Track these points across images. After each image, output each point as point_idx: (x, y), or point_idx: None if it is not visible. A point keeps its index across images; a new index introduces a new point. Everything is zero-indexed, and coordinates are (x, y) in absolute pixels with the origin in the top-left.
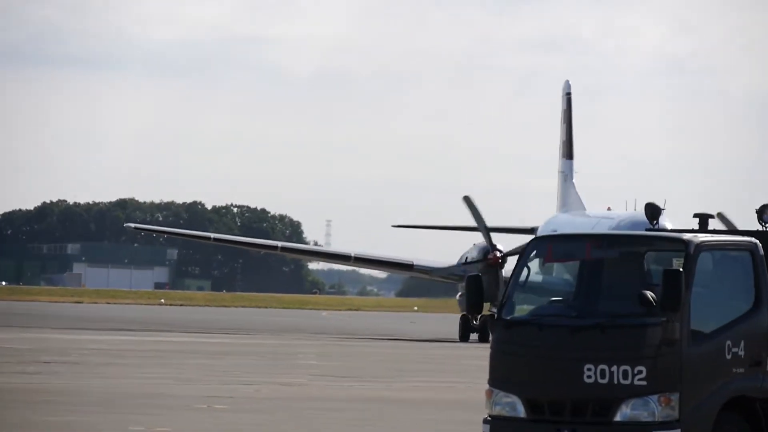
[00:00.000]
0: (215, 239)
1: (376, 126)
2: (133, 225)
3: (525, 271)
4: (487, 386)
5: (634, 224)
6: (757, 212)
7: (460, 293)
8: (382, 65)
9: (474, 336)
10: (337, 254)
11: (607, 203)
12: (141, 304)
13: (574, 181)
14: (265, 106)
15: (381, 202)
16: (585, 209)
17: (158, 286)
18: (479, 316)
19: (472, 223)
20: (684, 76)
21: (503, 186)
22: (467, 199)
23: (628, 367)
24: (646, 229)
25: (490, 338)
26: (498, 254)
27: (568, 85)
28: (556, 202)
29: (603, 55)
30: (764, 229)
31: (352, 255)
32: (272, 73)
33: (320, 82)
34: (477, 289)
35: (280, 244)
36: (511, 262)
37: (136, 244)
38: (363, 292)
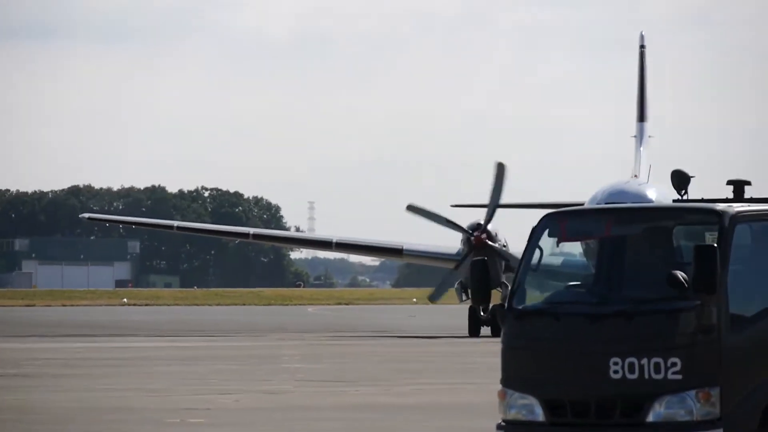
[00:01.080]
0: (179, 228)
1: (366, 96)
2: (87, 215)
3: (537, 253)
4: (499, 387)
5: (614, 194)
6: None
7: (458, 281)
8: (366, 28)
9: (486, 330)
10: (316, 240)
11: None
12: (101, 305)
13: (641, 148)
14: (235, 76)
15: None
16: (647, 180)
17: (120, 284)
18: (489, 307)
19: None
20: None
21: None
22: (412, 208)
23: (660, 360)
24: (674, 200)
25: (502, 331)
26: (483, 235)
27: (642, 37)
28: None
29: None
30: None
31: (334, 241)
32: (243, 39)
33: (298, 49)
34: (481, 275)
35: (252, 230)
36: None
37: (92, 237)
38: (354, 283)
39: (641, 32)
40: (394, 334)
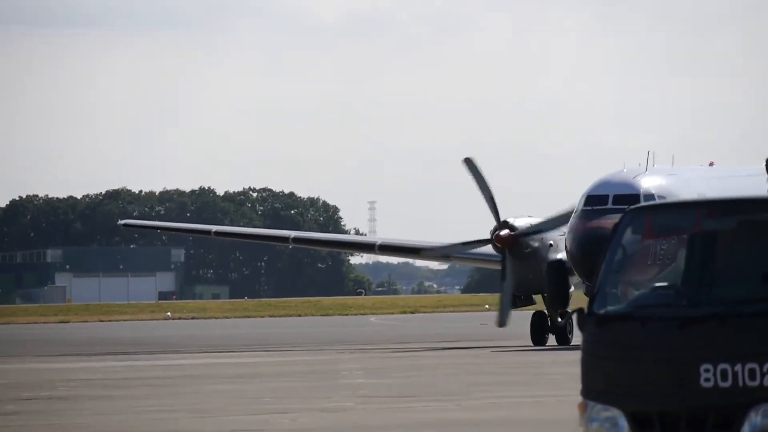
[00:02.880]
0: (216, 233)
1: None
2: (123, 222)
3: (620, 251)
4: (580, 399)
5: (599, 185)
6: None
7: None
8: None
9: (552, 339)
10: (359, 243)
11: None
12: (142, 319)
13: None
14: (283, 65)
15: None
16: (645, 168)
17: (163, 296)
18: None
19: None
20: None
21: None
22: (469, 162)
23: (755, 366)
24: None
25: (581, 338)
26: (509, 232)
27: None
28: None
29: None
30: None
31: (378, 243)
32: (292, 23)
33: (352, 33)
34: (560, 277)
35: (292, 234)
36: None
37: (132, 246)
38: (420, 290)
39: None
40: (464, 344)
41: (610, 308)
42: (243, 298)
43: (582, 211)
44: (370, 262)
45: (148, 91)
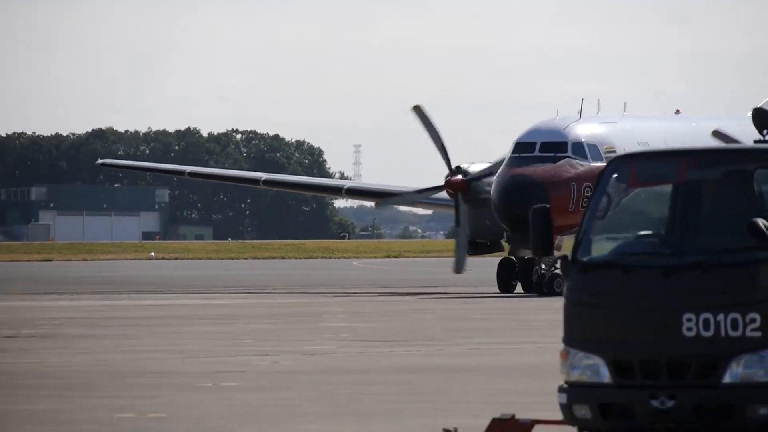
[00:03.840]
0: (190, 174)
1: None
2: (100, 161)
3: (604, 199)
4: (562, 346)
5: (530, 132)
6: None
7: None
8: None
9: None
10: (327, 186)
11: None
12: (126, 259)
13: None
14: (274, 6)
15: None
16: (578, 117)
17: (147, 236)
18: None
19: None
20: None
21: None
22: (418, 109)
23: (737, 315)
24: (755, 141)
25: (564, 286)
26: (461, 177)
27: None
28: None
29: None
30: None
31: (345, 187)
32: None
33: None
34: (544, 224)
35: (264, 176)
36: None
37: (117, 185)
38: (404, 234)
39: None
40: (447, 289)
41: (593, 256)
42: (227, 239)
43: (510, 158)
44: (355, 206)
45: (136, 32)
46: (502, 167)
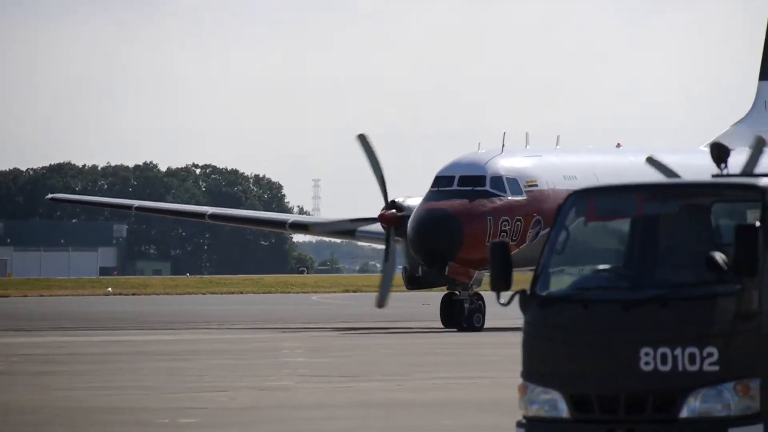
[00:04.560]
0: (137, 209)
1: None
2: (50, 196)
3: (563, 233)
4: (520, 381)
5: (449, 166)
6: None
7: (402, 267)
8: None
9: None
10: (269, 220)
11: None
12: (83, 295)
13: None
14: (232, 38)
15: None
16: (501, 150)
17: (104, 271)
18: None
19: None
20: None
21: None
22: (362, 138)
23: (695, 350)
24: (713, 176)
25: (523, 320)
26: (395, 212)
27: None
28: None
29: None
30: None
31: (209, 213)
32: None
33: (298, 5)
34: (503, 258)
35: (209, 210)
36: None
37: (74, 220)
38: (364, 269)
39: None
40: (407, 324)
41: (552, 290)
42: (185, 274)
43: (429, 192)
44: (314, 241)
45: (94, 65)
46: (420, 201)
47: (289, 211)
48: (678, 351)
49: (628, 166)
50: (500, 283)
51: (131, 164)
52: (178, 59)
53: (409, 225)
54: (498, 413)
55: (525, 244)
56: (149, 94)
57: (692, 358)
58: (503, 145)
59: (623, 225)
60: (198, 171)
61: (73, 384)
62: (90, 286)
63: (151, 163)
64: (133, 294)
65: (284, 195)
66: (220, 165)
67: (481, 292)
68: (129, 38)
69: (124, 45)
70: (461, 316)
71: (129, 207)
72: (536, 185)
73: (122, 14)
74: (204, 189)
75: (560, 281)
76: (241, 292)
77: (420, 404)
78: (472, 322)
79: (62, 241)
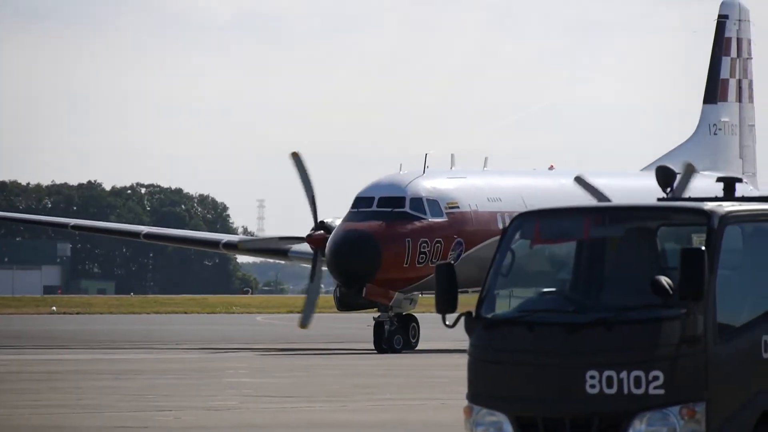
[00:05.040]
0: (73, 227)
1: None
2: None
3: (508, 256)
4: (465, 403)
5: (370, 187)
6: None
7: (336, 285)
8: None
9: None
10: (205, 240)
11: None
12: (27, 313)
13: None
14: (175, 58)
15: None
16: (423, 171)
17: (48, 290)
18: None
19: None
20: None
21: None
22: (295, 157)
23: (641, 373)
24: (658, 199)
25: (468, 342)
26: (323, 233)
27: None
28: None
29: None
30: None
31: (143, 232)
32: (182, 17)
33: (242, 28)
34: (449, 280)
35: (145, 229)
36: None
37: (18, 239)
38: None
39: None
40: (351, 345)
41: (497, 312)
42: (129, 293)
43: (348, 213)
44: (258, 261)
45: (39, 84)
46: (339, 222)
47: (233, 231)
48: (624, 374)
49: (557, 189)
50: (446, 305)
51: (75, 183)
52: (124, 79)
53: (327, 246)
54: None
55: None
56: (94, 113)
57: (638, 382)
58: (426, 167)
59: (569, 248)
60: (143, 190)
61: (16, 402)
62: (34, 304)
63: (95, 181)
64: (78, 313)
65: (228, 215)
66: (165, 185)
67: (416, 314)
68: (74, 56)
69: (69, 63)
70: (381, 338)
71: (65, 225)
72: (457, 207)
73: (68, 32)
74: (148, 208)
75: (506, 303)
76: (186, 312)
77: (364, 425)
78: (392, 344)
79: (6, 259)
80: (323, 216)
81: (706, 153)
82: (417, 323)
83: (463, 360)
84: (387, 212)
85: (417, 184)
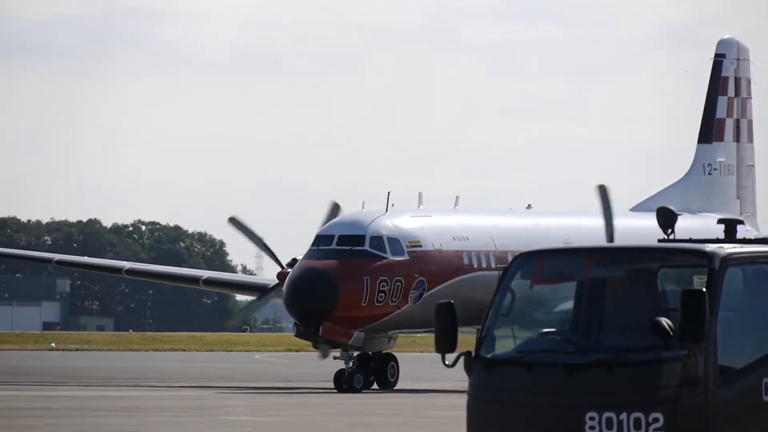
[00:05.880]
0: (57, 262)
1: (320, 118)
2: None
3: (508, 296)
4: None
5: (331, 225)
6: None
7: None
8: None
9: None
10: (106, 266)
11: None
12: (26, 349)
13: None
14: (172, 95)
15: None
16: (385, 209)
17: (48, 326)
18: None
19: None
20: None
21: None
22: (233, 221)
23: (640, 415)
24: (659, 240)
25: (468, 383)
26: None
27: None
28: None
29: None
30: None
31: (125, 268)
32: (178, 53)
33: (239, 67)
34: (449, 319)
35: (127, 265)
36: None
37: (18, 275)
38: None
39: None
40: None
41: (497, 352)
42: (128, 330)
43: (308, 250)
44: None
45: (37, 120)
46: (299, 260)
47: (232, 269)
48: (623, 416)
49: (531, 228)
50: (445, 345)
51: (75, 220)
52: (121, 117)
53: (285, 284)
54: None
55: (407, 306)
56: (94, 150)
57: (638, 424)
58: (391, 204)
59: (569, 288)
60: (143, 228)
61: None
62: (33, 341)
63: (94, 219)
64: (76, 350)
65: (227, 252)
66: (164, 222)
67: (395, 353)
68: (75, 93)
69: (69, 100)
70: (341, 377)
71: (49, 260)
72: (420, 246)
73: (67, 69)
74: (148, 246)
75: (505, 344)
76: (184, 350)
77: None
78: (353, 383)
79: (6, 295)
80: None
81: (699, 193)
82: (396, 362)
83: (437, 400)
84: (346, 250)
85: (378, 222)
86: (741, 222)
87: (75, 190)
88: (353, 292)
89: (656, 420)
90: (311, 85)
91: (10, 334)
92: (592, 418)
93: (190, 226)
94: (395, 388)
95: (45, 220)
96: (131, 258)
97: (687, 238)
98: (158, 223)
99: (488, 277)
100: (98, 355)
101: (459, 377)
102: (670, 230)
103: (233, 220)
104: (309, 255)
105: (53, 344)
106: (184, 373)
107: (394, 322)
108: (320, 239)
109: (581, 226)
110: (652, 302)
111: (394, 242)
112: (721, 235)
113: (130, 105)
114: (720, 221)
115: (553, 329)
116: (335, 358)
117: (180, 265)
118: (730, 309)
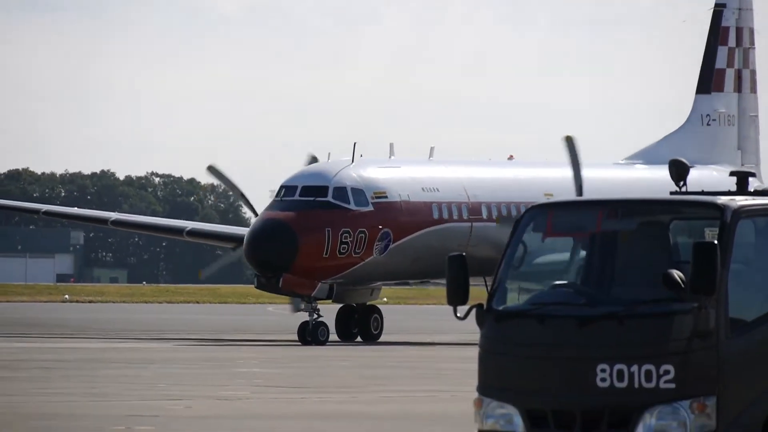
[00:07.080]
0: (45, 213)
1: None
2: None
3: (520, 249)
4: (476, 395)
5: (294, 177)
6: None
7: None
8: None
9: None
10: (93, 217)
11: None
12: (40, 301)
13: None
14: (187, 49)
15: None
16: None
17: (61, 278)
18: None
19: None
20: None
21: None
22: (212, 169)
23: (651, 367)
24: (671, 193)
25: (479, 334)
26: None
27: None
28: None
29: None
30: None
31: (111, 218)
32: (193, 8)
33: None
34: (460, 272)
35: (112, 216)
36: None
37: (32, 227)
38: None
39: None
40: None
41: (508, 305)
42: (141, 283)
43: (272, 201)
44: None
45: (53, 74)
46: (261, 211)
47: (245, 221)
48: (634, 368)
49: (509, 180)
50: (456, 297)
51: (89, 172)
52: (138, 68)
53: (246, 235)
54: (453, 427)
55: (372, 257)
56: (109, 102)
57: (648, 376)
58: (359, 155)
59: (581, 241)
60: (157, 180)
61: (26, 390)
62: (47, 293)
63: (108, 171)
64: (90, 302)
65: (240, 205)
66: (178, 174)
67: (379, 305)
68: (88, 47)
69: (83, 53)
70: (305, 330)
71: (36, 211)
72: (385, 197)
73: (83, 23)
74: (162, 198)
75: (517, 296)
76: (198, 302)
77: (374, 417)
78: (317, 335)
79: (19, 247)
80: None
81: (697, 143)
82: (380, 314)
83: (462, 352)
84: (309, 201)
85: (343, 173)
86: (753, 174)
87: (90, 143)
88: (314, 244)
89: (667, 372)
90: (332, 41)
91: (23, 286)
92: (603, 370)
93: (204, 179)
94: (378, 340)
95: (59, 172)
96: (146, 211)
97: (699, 190)
98: (172, 176)
99: (459, 229)
100: (112, 307)
101: (471, 329)
102: (682, 182)
103: (212, 169)
104: (271, 206)
105: (67, 296)
106: (197, 325)
107: (360, 274)
108: (284, 190)
109: (564, 178)
110: (664, 255)
111: (359, 193)
112: (721, 186)
113: (145, 59)
114: (732, 173)
115: (565, 282)
116: (349, 308)
117: (193, 218)
118: (741, 262)
